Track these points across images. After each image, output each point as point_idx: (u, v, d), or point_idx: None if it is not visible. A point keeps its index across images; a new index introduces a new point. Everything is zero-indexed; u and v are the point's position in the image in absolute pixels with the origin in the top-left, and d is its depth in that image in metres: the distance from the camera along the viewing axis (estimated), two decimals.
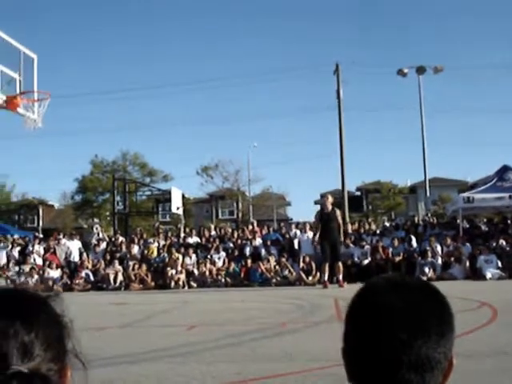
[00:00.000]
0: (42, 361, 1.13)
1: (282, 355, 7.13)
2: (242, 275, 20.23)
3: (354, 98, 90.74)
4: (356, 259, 20.37)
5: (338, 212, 17.65)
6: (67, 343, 1.21)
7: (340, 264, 17.29)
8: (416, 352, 1.24)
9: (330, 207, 17.24)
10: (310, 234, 21.25)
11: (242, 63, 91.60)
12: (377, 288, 1.36)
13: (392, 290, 1.33)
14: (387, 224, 25.31)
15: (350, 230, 22.32)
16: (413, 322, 1.27)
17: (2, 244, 23.02)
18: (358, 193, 63.89)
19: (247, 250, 21.89)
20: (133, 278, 20.41)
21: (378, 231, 23.37)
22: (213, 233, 23.94)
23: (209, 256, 21.40)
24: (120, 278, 20.50)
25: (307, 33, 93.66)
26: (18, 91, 14.03)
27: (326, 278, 17.15)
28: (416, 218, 27.07)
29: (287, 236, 22.58)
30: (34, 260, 22.19)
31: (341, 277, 17.29)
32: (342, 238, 17.64)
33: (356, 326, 1.33)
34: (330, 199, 17.47)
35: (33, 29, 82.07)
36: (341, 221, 17.46)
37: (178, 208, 30.70)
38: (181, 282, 19.87)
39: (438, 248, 20.38)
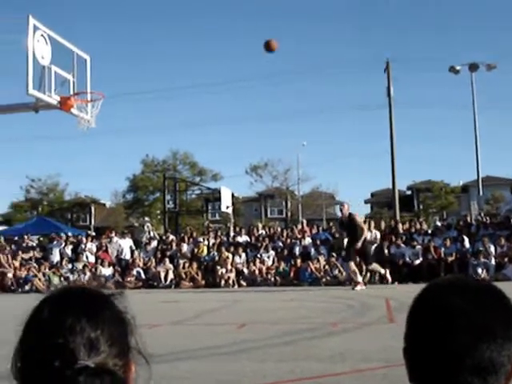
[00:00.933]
0: (108, 356, 1.16)
1: (333, 355, 7.09)
2: (292, 274, 20.20)
3: (405, 96, 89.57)
4: (407, 259, 20.11)
5: (357, 218, 17.57)
6: (131, 339, 1.24)
7: (351, 264, 17.07)
8: (480, 355, 1.22)
9: (347, 214, 17.26)
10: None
11: (293, 60, 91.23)
12: (441, 289, 1.33)
13: (456, 291, 1.30)
14: (439, 224, 24.88)
15: (400, 230, 22.06)
16: (477, 324, 1.24)
17: (55, 242, 23.46)
18: (409, 192, 63.10)
19: (297, 250, 21.85)
20: (183, 276, 20.59)
21: (429, 231, 23.02)
22: (262, 232, 23.96)
23: (258, 255, 21.42)
24: (171, 276, 20.71)
25: (357, 29, 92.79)
26: (71, 92, 14.26)
27: (360, 278, 17.06)
28: (468, 218, 26.57)
29: (337, 235, 22.43)
30: (87, 258, 22.56)
31: (385, 272, 17.87)
32: (360, 243, 17.00)
33: (419, 327, 1.30)
34: (346, 207, 17.63)
35: (85, 30, 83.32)
36: (362, 225, 17.38)
37: (227, 207, 30.81)
38: (231, 281, 19.97)
39: (492, 248, 19.96)
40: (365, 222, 19.79)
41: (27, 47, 12.97)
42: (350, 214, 17.40)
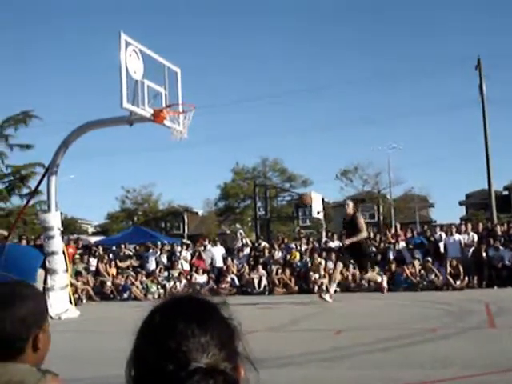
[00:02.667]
0: (218, 359, 1.21)
1: (433, 361, 6.93)
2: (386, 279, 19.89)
3: (498, 93, 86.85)
4: (507, 262, 19.42)
5: (360, 219, 16.12)
6: (238, 345, 1.29)
7: (369, 273, 16.16)
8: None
9: (350, 213, 15.83)
10: (456, 236, 20.57)
11: (381, 63, 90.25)
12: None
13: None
14: None
15: (499, 232, 21.34)
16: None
17: (151, 250, 24.02)
18: (506, 192, 61.03)
19: (390, 254, 21.51)
20: (276, 282, 20.66)
21: None
22: None
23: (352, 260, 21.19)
24: (264, 282, 20.82)
25: (445, 26, 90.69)
26: (163, 104, 14.60)
27: (333, 290, 15.62)
28: None
29: (432, 239, 21.93)
30: (182, 265, 22.98)
31: (382, 280, 16.44)
32: (347, 241, 15.46)
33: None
34: (351, 205, 16.14)
35: (175, 42, 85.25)
36: (363, 227, 15.80)
37: (318, 212, 30.63)
38: (324, 287, 19.84)
39: None
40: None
41: (120, 63, 13.38)
42: (354, 213, 16.00)
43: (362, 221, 15.95)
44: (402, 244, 21.72)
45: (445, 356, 7.22)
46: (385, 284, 16.23)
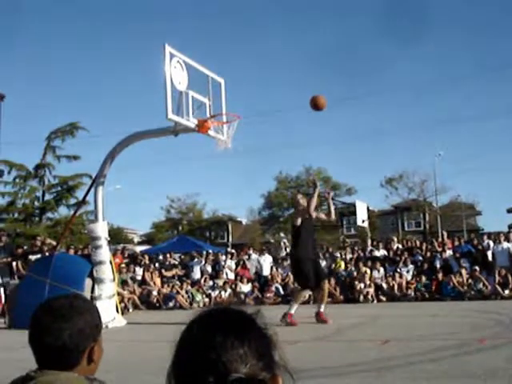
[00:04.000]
0: (257, 369, 1.25)
1: (483, 372, 6.80)
2: (433, 289, 19.64)
3: None
4: None
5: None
6: (275, 354, 1.32)
7: (325, 285, 13.42)
8: None
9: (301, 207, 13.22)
10: (504, 244, 20.20)
11: (426, 68, 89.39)
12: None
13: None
14: None
15: None
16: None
17: (196, 260, 24.16)
18: None
19: (437, 263, 21.21)
20: None
21: None
22: (399, 245, 23.49)
23: (397, 269, 21.00)
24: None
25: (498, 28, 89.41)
26: (208, 115, 14.70)
27: (293, 310, 13.14)
28: None
29: (479, 247, 21.57)
30: (226, 275, 23.06)
31: (322, 308, 13.34)
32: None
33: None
34: (300, 198, 13.75)
35: (219, 53, 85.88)
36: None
37: (363, 221, 30.51)
38: (370, 296, 19.70)
39: None
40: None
41: (165, 74, 13.53)
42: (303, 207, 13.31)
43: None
44: (449, 252, 21.41)
45: (495, 366, 7.07)
46: (324, 315, 13.24)
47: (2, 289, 16.38)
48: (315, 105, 13.06)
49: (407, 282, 20.26)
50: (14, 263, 17.55)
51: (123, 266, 21.75)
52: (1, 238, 17.75)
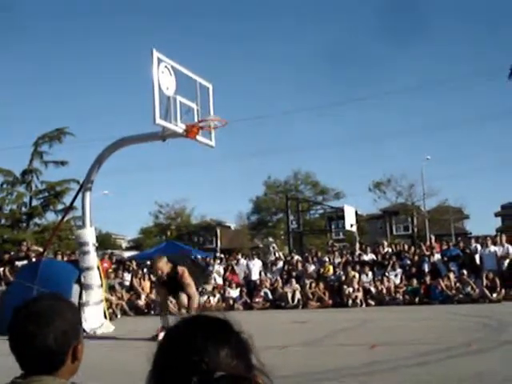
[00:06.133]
0: (238, 369, 1.30)
1: (471, 376, 6.83)
2: (422, 292, 19.67)
3: None
4: None
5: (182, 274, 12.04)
6: (252, 357, 1.38)
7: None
8: None
9: (165, 272, 11.97)
10: (492, 248, 20.28)
11: (416, 76, 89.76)
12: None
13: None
14: None
15: None
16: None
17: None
18: None
19: (425, 267, 21.25)
20: (310, 296, 20.56)
21: None
22: (388, 249, 23.53)
23: (386, 273, 21.03)
24: (298, 296, 20.72)
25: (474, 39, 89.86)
26: (196, 120, 14.68)
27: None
28: None
29: (467, 251, 21.64)
30: (215, 280, 23.02)
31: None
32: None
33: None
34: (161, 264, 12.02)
35: (207, 57, 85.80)
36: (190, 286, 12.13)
37: (351, 225, 30.54)
38: (358, 300, 19.71)
39: None
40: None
41: (153, 80, 13.50)
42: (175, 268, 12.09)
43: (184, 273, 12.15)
44: (437, 256, 21.45)
45: (483, 370, 7.10)
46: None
47: None
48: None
49: (395, 286, 20.29)
50: (1, 269, 17.43)
51: (111, 271, 21.66)
52: None
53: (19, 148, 76.77)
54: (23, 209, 44.07)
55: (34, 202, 44.15)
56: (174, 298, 13.17)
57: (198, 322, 1.40)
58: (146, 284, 22.30)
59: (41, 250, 18.04)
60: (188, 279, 12.16)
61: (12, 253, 19.68)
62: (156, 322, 11.90)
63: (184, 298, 12.42)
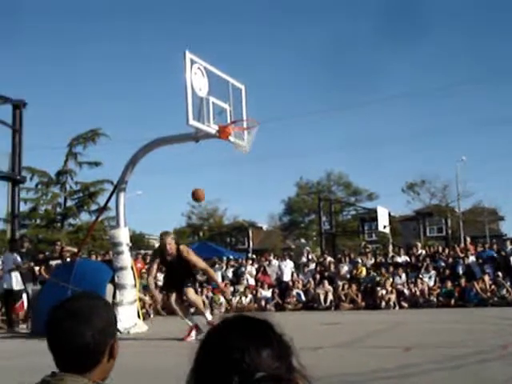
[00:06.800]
0: (279, 371, 1.30)
1: (506, 379, 6.73)
2: (456, 295, 19.45)
3: None
4: None
5: (187, 252, 12.16)
6: (293, 359, 1.37)
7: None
8: None
9: (174, 250, 12.05)
10: None
11: (450, 75, 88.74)
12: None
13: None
14: None
15: None
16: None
17: (217, 265, 24.17)
18: None
19: (460, 269, 21.01)
20: (343, 297, 20.47)
21: None
22: (422, 251, 23.32)
23: (419, 275, 20.83)
24: (330, 297, 20.65)
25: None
26: (228, 121, 14.72)
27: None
28: None
29: (502, 253, 21.32)
30: (247, 280, 23.05)
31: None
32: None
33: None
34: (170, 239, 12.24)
35: (238, 59, 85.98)
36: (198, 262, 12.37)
37: (384, 227, 30.37)
38: (391, 302, 19.57)
39: None
40: None
41: (185, 81, 13.57)
42: (178, 249, 12.16)
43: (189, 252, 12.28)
44: (472, 258, 21.20)
45: None
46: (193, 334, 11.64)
47: (25, 294, 16.50)
48: (196, 196, 13.68)
49: (429, 288, 20.08)
50: (37, 268, 17.68)
51: (144, 271, 21.81)
52: (23, 243, 17.87)
53: (54, 149, 77.68)
54: (58, 209, 44.68)
55: (69, 203, 44.72)
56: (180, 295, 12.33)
57: (239, 321, 1.40)
58: None
59: (74, 250, 18.23)
60: (194, 256, 12.25)
61: (47, 253, 19.93)
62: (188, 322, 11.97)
63: (190, 292, 12.15)
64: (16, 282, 16.17)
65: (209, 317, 12.01)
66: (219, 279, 23.30)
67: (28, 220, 43.45)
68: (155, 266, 12.65)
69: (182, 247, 12.24)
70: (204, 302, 14.39)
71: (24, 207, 41.86)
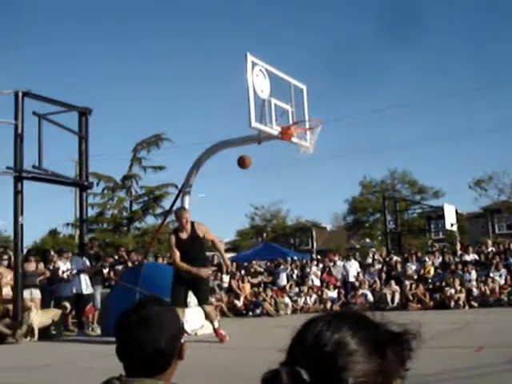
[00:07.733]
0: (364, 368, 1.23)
1: None
2: None
3: None
4: None
5: (204, 229, 11.91)
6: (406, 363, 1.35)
7: (208, 308, 12.13)
8: None
9: (189, 225, 11.72)
10: None
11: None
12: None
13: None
14: None
15: None
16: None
17: (282, 266, 24.18)
18: None
19: None
20: (410, 297, 20.17)
21: None
22: (491, 249, 22.77)
23: (489, 274, 20.34)
24: (397, 297, 20.38)
25: None
26: (290, 122, 14.71)
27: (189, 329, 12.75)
28: None
29: None
30: (312, 281, 22.98)
31: (216, 324, 12.19)
32: (226, 267, 13.77)
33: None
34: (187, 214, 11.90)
35: (299, 59, 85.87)
36: (215, 239, 12.52)
37: (452, 224, 29.80)
38: (461, 302, 19.16)
39: None
40: None
41: (247, 83, 13.62)
42: (193, 226, 11.82)
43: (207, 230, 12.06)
44: None
45: None
46: (222, 332, 12.21)
47: (99, 296, 16.85)
48: (242, 163, 13.97)
49: (500, 287, 19.58)
50: (106, 271, 18.07)
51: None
52: (93, 246, 18.31)
53: (119, 155, 79.26)
54: (124, 213, 45.47)
55: (134, 207, 45.47)
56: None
57: (351, 322, 1.31)
58: (246, 286, 22.54)
59: (140, 258, 18.60)
60: (212, 234, 12.26)
61: (116, 256, 20.30)
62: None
63: (208, 308, 12.14)
64: (86, 286, 16.53)
65: (216, 325, 12.13)
66: (284, 281, 23.36)
67: (95, 224, 44.37)
68: (175, 248, 11.89)
69: (200, 225, 11.97)
70: (216, 307, 14.57)
71: (91, 212, 42.84)
